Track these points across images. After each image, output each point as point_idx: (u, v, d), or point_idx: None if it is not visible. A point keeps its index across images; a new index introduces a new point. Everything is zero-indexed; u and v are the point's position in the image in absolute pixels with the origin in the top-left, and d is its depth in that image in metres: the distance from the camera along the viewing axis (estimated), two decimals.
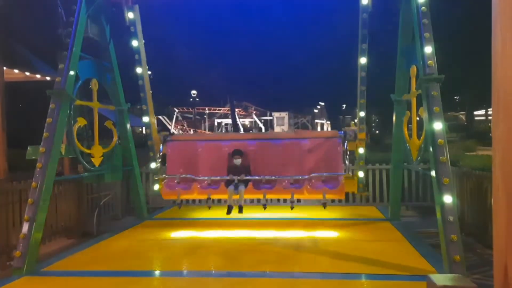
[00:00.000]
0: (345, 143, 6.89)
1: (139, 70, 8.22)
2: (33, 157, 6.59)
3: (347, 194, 9.82)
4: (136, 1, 8.19)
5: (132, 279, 5.15)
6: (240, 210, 6.91)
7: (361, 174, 7.39)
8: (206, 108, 53.58)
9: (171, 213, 9.58)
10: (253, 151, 7.12)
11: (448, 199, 5.10)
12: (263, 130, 49.39)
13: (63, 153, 6.84)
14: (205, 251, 6.41)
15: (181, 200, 7.22)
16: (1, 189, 6.43)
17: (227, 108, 50.82)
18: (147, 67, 8.39)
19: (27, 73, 10.03)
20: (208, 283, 5.04)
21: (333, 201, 9.88)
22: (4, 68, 8.49)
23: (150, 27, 8.19)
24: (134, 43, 8.09)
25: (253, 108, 53.53)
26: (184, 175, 7.07)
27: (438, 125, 5.44)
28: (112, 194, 9.13)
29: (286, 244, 6.59)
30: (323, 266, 5.50)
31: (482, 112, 45.72)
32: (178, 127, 50.44)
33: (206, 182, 7.02)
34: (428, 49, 5.74)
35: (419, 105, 6.47)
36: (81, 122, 7.21)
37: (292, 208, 6.96)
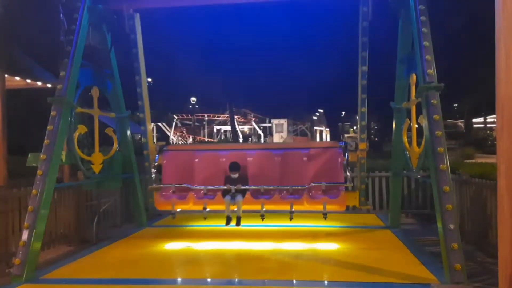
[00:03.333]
0: (346, 154, 6.70)
1: (137, 77, 8.25)
2: (34, 164, 6.58)
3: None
4: (137, 9, 8.24)
5: (131, 287, 5.14)
6: (238, 223, 6.66)
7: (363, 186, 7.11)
8: (205, 115, 53.68)
9: (171, 220, 9.47)
10: (251, 162, 6.85)
11: (448, 207, 5.11)
12: (262, 137, 49.51)
13: (63, 160, 6.83)
14: (204, 259, 6.39)
15: (175, 211, 6.96)
16: (1, 196, 6.41)
17: (226, 115, 50.91)
18: (145, 75, 8.41)
19: (28, 80, 10.04)
20: None
21: None
22: (6, 75, 8.52)
23: (151, 34, 8.25)
24: (134, 51, 8.14)
25: (252, 115, 53.64)
26: (179, 185, 6.79)
27: (438, 133, 5.45)
28: (112, 201, 9.10)
29: (285, 252, 6.56)
30: (322, 274, 5.49)
31: (481, 119, 45.87)
32: (177, 133, 50.52)
33: (202, 192, 6.72)
34: (428, 58, 5.77)
35: (418, 113, 6.49)
36: (82, 129, 7.22)
37: (291, 218, 6.70)
